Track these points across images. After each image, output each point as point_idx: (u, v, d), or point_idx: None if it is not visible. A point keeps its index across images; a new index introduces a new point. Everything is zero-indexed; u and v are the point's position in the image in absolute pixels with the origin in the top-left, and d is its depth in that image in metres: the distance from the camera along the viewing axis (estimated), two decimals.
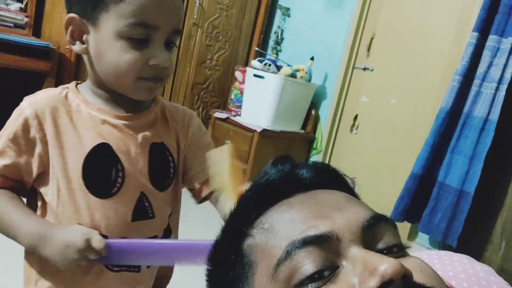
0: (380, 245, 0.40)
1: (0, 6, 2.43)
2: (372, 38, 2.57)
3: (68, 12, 0.71)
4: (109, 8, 0.66)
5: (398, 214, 2.12)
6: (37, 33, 2.57)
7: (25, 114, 0.70)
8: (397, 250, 0.41)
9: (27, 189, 0.74)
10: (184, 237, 0.79)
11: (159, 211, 0.78)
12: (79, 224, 0.71)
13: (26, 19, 2.50)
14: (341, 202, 0.43)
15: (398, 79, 2.41)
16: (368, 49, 2.59)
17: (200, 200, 0.84)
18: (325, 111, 2.74)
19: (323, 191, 0.46)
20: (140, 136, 0.75)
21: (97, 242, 0.67)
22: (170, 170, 0.80)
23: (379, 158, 2.47)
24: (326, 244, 0.39)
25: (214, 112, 2.82)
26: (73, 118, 0.72)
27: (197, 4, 2.70)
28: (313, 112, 2.75)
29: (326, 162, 2.72)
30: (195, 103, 2.91)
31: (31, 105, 0.71)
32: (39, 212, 0.74)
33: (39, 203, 0.75)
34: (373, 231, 0.40)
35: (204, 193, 0.83)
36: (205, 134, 0.87)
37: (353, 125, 2.64)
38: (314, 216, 0.41)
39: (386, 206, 2.26)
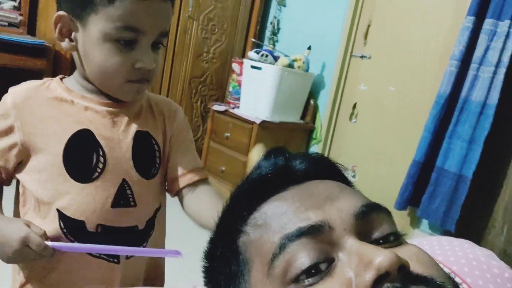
0: (376, 234, 0.40)
1: None
2: (368, 26, 2.55)
3: (58, 9, 0.71)
4: (98, 10, 0.67)
5: (403, 202, 2.12)
6: (31, 31, 2.55)
7: (6, 103, 0.72)
8: (393, 239, 0.40)
9: (6, 177, 0.75)
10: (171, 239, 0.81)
11: (142, 201, 0.78)
12: (57, 209, 0.73)
13: (20, 18, 2.48)
14: (334, 192, 0.43)
15: (396, 66, 2.40)
16: (365, 37, 2.57)
17: (174, 193, 0.86)
18: (324, 101, 2.74)
19: (317, 182, 0.46)
20: (124, 123, 0.76)
21: (35, 244, 0.67)
22: (155, 159, 0.81)
23: (379, 146, 2.47)
24: (320, 235, 0.38)
25: (213, 105, 2.82)
26: (54, 106, 0.74)
27: None
28: (311, 102, 2.74)
29: (326, 151, 2.72)
30: (193, 96, 2.90)
31: (12, 95, 0.73)
32: (21, 199, 0.76)
33: (21, 190, 0.76)
34: (367, 220, 0.40)
35: (180, 185, 0.84)
36: (188, 130, 0.89)
37: (352, 114, 2.63)
38: (306, 208, 0.41)
39: (387, 193, 2.26)
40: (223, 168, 2.69)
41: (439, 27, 2.23)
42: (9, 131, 0.73)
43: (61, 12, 0.70)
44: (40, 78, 2.20)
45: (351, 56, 2.62)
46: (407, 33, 2.35)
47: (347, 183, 0.50)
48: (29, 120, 0.72)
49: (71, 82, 0.77)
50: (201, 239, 0.53)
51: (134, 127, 0.78)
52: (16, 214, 0.78)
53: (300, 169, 0.47)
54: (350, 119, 2.63)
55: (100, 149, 0.74)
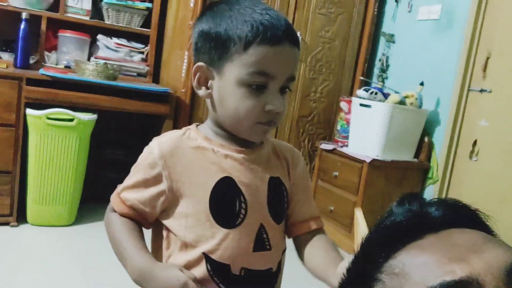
0: None
1: (126, 58, 2.73)
2: (487, 58, 2.39)
3: (196, 61, 0.78)
4: (233, 58, 0.73)
5: None
6: (156, 79, 2.83)
7: (153, 154, 0.78)
8: None
9: (150, 221, 0.81)
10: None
11: (275, 244, 0.82)
12: (203, 253, 0.76)
13: (147, 68, 2.77)
14: (478, 242, 0.40)
15: None
16: (484, 70, 2.41)
17: (292, 237, 0.89)
18: (440, 138, 2.58)
19: (457, 231, 0.43)
20: (259, 170, 0.80)
21: None
22: (284, 204, 0.85)
23: (505, 187, 2.24)
24: None
25: (320, 143, 2.82)
26: (197, 155, 0.78)
27: (300, 39, 2.77)
28: (426, 139, 2.61)
29: (444, 192, 2.54)
30: (301, 135, 2.93)
31: (158, 145, 0.78)
32: (165, 243, 0.80)
33: (164, 234, 0.80)
34: None
35: (299, 231, 0.87)
36: (308, 177, 0.93)
37: (472, 151, 2.44)
38: (449, 260, 0.38)
39: None
40: (332, 207, 2.65)
41: None
42: (157, 180, 0.78)
43: (200, 63, 0.78)
44: (163, 121, 2.41)
45: (468, 90, 2.46)
46: None
47: (489, 232, 0.46)
48: (176, 169, 0.77)
49: (207, 130, 0.82)
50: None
51: (268, 173, 0.82)
52: (155, 256, 0.81)
53: (436, 216, 0.45)
54: (470, 157, 2.45)
55: (241, 196, 0.78)
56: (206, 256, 0.77)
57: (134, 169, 0.80)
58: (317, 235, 0.87)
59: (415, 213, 0.45)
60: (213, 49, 0.75)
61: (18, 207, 2.22)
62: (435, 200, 0.47)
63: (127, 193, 0.80)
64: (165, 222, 0.80)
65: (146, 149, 0.80)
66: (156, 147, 0.78)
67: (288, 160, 0.87)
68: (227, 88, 0.75)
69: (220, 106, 0.77)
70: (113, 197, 0.82)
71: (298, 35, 2.69)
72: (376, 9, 2.96)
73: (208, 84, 0.78)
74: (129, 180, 0.80)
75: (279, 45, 0.72)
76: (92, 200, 2.51)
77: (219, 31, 0.74)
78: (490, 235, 0.45)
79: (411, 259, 0.41)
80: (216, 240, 0.76)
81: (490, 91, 2.36)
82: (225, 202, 0.78)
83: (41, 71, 2.24)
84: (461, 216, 0.45)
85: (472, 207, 0.47)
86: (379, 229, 0.46)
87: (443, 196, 2.54)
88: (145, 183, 0.78)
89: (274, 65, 0.73)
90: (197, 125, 0.84)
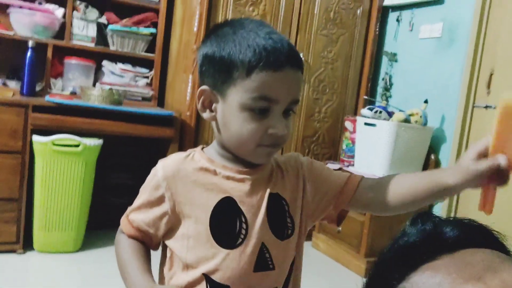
0: None
1: (131, 83, 2.76)
2: (491, 74, 2.39)
3: (201, 84, 0.80)
4: (236, 83, 0.73)
5: None
6: (161, 103, 2.85)
7: (157, 176, 0.79)
8: None
9: (156, 243, 0.83)
10: None
11: (280, 263, 0.80)
12: (203, 274, 0.77)
13: (151, 92, 2.80)
14: (493, 261, 0.39)
15: None
16: (488, 86, 2.41)
17: (337, 215, 0.86)
18: (446, 155, 2.57)
19: (472, 251, 0.42)
20: (260, 188, 0.80)
21: None
22: (286, 219, 0.83)
23: None
24: None
25: (326, 163, 2.81)
26: (199, 176, 0.79)
27: (302, 60, 2.79)
28: (432, 157, 2.60)
29: (453, 208, 2.51)
30: (306, 155, 2.93)
31: (162, 167, 0.80)
32: (168, 263, 0.82)
33: (168, 254, 0.82)
34: None
35: (351, 192, 0.83)
36: (314, 162, 0.89)
37: None
38: (464, 280, 0.37)
39: None
40: (339, 228, 2.62)
41: None
42: (160, 201, 0.79)
43: (204, 87, 0.78)
44: (169, 144, 2.41)
45: (473, 107, 2.46)
46: None
47: (505, 252, 0.45)
48: (178, 190, 0.78)
49: (211, 152, 0.83)
50: None
51: (267, 191, 0.81)
52: (162, 275, 0.84)
53: (451, 236, 0.44)
54: None
55: (242, 216, 0.78)
56: (206, 277, 0.77)
57: (141, 191, 0.82)
58: (372, 181, 0.85)
59: (429, 233, 0.44)
60: (217, 73, 0.76)
61: (24, 234, 2.21)
62: (450, 219, 0.46)
63: (134, 215, 0.82)
64: (168, 243, 0.81)
65: (152, 171, 0.81)
66: (160, 169, 0.80)
67: (293, 168, 0.86)
68: (230, 112, 0.76)
69: (224, 129, 0.78)
70: (123, 218, 0.84)
71: (302, 56, 2.72)
72: (377, 29, 2.99)
73: (212, 107, 0.79)
74: (136, 201, 0.83)
75: (281, 70, 0.72)
76: (98, 226, 2.50)
77: (222, 55, 0.74)
78: (507, 254, 0.44)
79: (425, 280, 0.40)
80: (217, 260, 0.76)
81: (495, 107, 2.36)
82: (226, 223, 0.78)
83: (47, 98, 2.26)
84: (476, 236, 0.44)
85: (487, 227, 0.46)
86: (393, 250, 0.45)
87: (453, 214, 2.51)
88: (150, 205, 0.80)
89: (277, 90, 0.73)
90: (203, 147, 0.85)
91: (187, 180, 0.79)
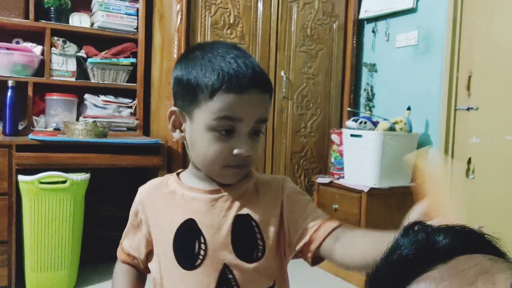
0: None
1: (114, 114, 2.75)
2: (469, 76, 2.44)
3: (173, 105, 0.82)
4: (201, 105, 0.75)
5: None
6: (146, 132, 2.84)
7: (136, 201, 0.86)
8: None
9: (144, 265, 0.87)
10: None
11: (247, 284, 0.78)
12: None
13: (136, 122, 2.79)
14: (485, 266, 0.39)
15: (509, 113, 2.23)
16: (468, 88, 2.45)
17: (313, 256, 0.79)
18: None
19: (465, 258, 0.42)
20: (224, 208, 0.80)
21: None
22: (257, 241, 0.80)
23: (506, 201, 2.23)
24: None
25: (316, 178, 2.81)
26: (168, 200, 0.82)
27: (284, 78, 2.82)
28: None
29: None
30: (296, 171, 2.93)
31: (139, 193, 0.87)
32: (153, 284, 0.85)
33: (151, 277, 0.86)
34: None
35: (316, 243, 0.77)
36: (301, 193, 0.85)
37: (468, 170, 2.44)
38: (457, 286, 0.38)
39: None
40: None
41: None
42: (140, 225, 0.86)
43: (174, 108, 0.81)
44: (157, 173, 2.39)
45: (455, 110, 2.50)
46: None
47: (500, 254, 0.45)
48: (150, 214, 0.84)
49: (185, 174, 0.86)
50: None
51: (233, 211, 0.79)
52: None
53: (444, 244, 0.44)
54: (467, 175, 2.45)
55: (201, 237, 0.78)
56: None
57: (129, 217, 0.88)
58: (343, 233, 0.77)
59: (422, 243, 0.44)
60: (185, 95, 0.78)
61: (17, 276, 2.16)
62: (442, 227, 0.46)
63: (124, 241, 0.89)
64: (149, 265, 0.86)
65: (135, 197, 0.88)
66: (138, 195, 0.87)
67: (273, 193, 0.83)
68: (196, 133, 0.77)
69: (192, 149, 0.80)
70: (119, 246, 0.91)
71: (283, 75, 2.75)
72: (354, 42, 3.04)
73: (182, 128, 0.81)
74: (125, 228, 0.89)
75: (244, 93, 0.73)
76: (92, 261, 2.45)
77: (189, 78, 0.77)
78: (501, 257, 0.44)
79: None
80: (178, 282, 0.79)
81: (477, 108, 2.39)
82: (186, 244, 0.79)
83: (30, 136, 2.24)
84: (470, 242, 0.44)
85: (479, 231, 0.46)
86: (387, 264, 0.45)
87: None
88: (133, 229, 0.87)
89: (240, 110, 0.74)
90: (179, 172, 0.88)
91: (156, 204, 0.83)
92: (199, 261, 0.77)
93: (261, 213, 0.81)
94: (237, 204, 0.80)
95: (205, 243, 0.78)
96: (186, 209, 0.80)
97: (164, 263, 0.81)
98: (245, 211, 0.80)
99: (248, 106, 0.74)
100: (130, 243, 0.87)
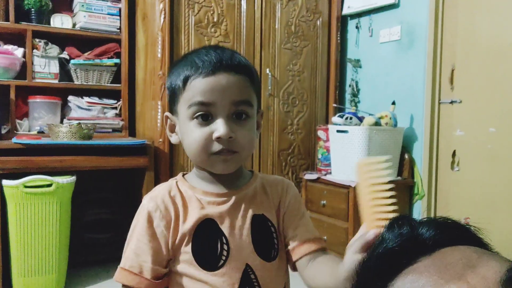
0: None
1: (99, 116, 2.72)
2: (452, 70, 2.47)
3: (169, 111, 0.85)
4: (179, 98, 0.78)
5: None
6: (132, 132, 2.81)
7: (148, 209, 0.79)
8: None
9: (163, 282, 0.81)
10: None
11: (267, 284, 0.80)
12: None
13: (121, 123, 2.76)
14: (471, 258, 0.40)
15: (491, 105, 2.26)
16: (451, 82, 2.48)
17: (292, 265, 0.85)
18: (419, 153, 2.62)
19: (450, 249, 0.43)
20: (242, 209, 0.80)
21: None
22: (273, 240, 0.83)
23: (491, 192, 2.27)
24: None
25: (304, 174, 2.82)
26: (185, 203, 0.80)
27: (269, 76, 2.82)
28: (406, 156, 2.64)
29: (432, 206, 2.55)
30: (284, 169, 2.94)
31: (151, 199, 0.80)
32: None
33: (170, 284, 0.82)
34: None
35: (296, 256, 0.82)
36: (300, 204, 0.89)
37: (453, 162, 2.48)
38: (446, 281, 0.38)
39: (510, 245, 2.03)
40: (324, 237, 2.62)
41: None
42: (159, 233, 0.79)
43: (166, 113, 0.84)
44: (144, 173, 2.37)
45: (439, 103, 2.53)
46: (496, 68, 2.23)
47: (483, 245, 0.46)
48: (172, 217, 0.79)
49: (192, 177, 0.85)
50: None
51: (251, 212, 0.81)
52: None
53: (428, 237, 0.44)
54: (452, 168, 2.48)
55: (223, 237, 0.78)
56: None
57: (132, 233, 0.80)
58: (320, 256, 0.82)
59: (406, 237, 0.44)
60: (170, 97, 0.82)
61: (3, 282, 2.13)
62: (425, 220, 0.46)
63: (135, 260, 0.80)
64: (173, 270, 0.81)
65: (140, 208, 0.82)
66: (150, 202, 0.81)
67: (278, 193, 0.86)
68: (182, 128, 0.80)
69: (184, 146, 0.81)
70: (118, 275, 0.83)
71: (268, 72, 2.75)
72: (339, 38, 3.05)
73: (175, 130, 0.83)
74: (129, 245, 0.81)
75: (213, 75, 0.74)
76: (80, 265, 2.43)
77: (171, 81, 0.80)
78: (484, 248, 0.45)
79: (408, 285, 0.40)
80: (200, 284, 0.77)
81: (460, 102, 2.42)
82: (207, 245, 0.78)
83: (14, 139, 2.20)
84: (453, 234, 0.45)
85: (462, 223, 0.47)
86: (373, 258, 0.45)
87: (432, 210, 2.55)
88: (147, 241, 0.79)
89: (210, 94, 0.74)
90: (184, 174, 0.87)
91: (177, 207, 0.80)
92: (222, 261, 0.77)
93: (272, 214, 0.84)
94: (251, 204, 0.82)
95: (227, 244, 0.78)
96: (203, 212, 0.79)
97: (185, 266, 0.78)
98: (260, 211, 0.82)
99: (218, 89, 0.74)
100: (145, 259, 0.77)
